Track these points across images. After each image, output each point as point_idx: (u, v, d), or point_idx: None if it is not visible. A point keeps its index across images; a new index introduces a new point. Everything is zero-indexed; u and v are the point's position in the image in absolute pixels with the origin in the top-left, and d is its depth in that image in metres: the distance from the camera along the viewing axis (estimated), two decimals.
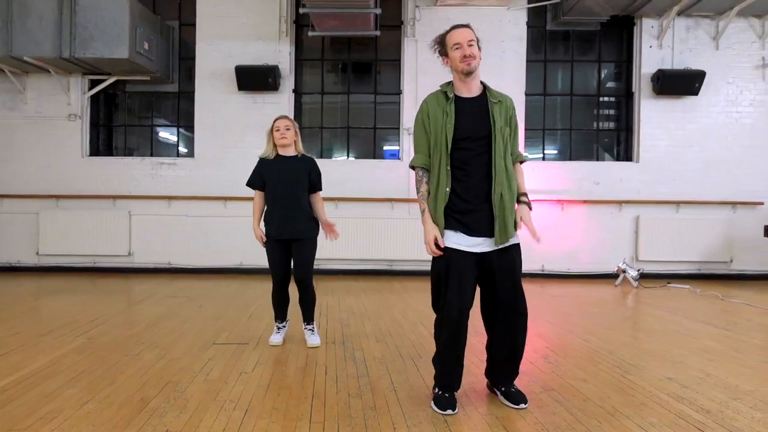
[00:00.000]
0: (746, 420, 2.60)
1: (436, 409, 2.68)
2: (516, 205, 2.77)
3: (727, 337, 4.30)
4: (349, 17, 6.90)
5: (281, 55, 7.63)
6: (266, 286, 3.91)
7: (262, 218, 3.82)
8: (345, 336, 4.20)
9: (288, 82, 7.68)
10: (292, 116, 7.22)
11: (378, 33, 7.45)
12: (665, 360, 3.61)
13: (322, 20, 7.06)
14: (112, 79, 7.60)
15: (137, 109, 8.19)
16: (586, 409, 2.72)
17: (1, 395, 2.82)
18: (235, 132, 7.63)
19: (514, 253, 2.73)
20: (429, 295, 2.85)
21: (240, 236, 7.37)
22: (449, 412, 2.64)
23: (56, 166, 7.66)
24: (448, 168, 2.67)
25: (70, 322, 4.51)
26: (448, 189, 2.67)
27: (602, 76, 8.10)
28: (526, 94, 7.70)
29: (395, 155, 7.93)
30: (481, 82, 2.79)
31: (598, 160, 8.02)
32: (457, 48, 2.67)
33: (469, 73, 2.69)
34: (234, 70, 7.42)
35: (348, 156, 7.99)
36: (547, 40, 7.96)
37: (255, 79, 7.42)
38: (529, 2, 7.66)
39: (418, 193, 2.79)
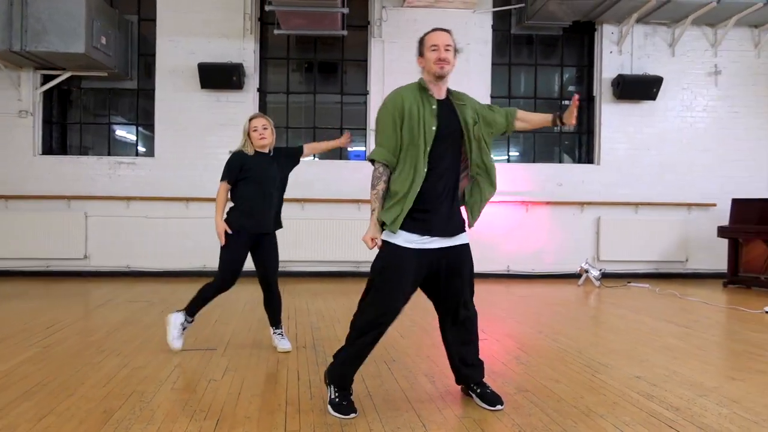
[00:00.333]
0: (714, 416, 2.67)
1: (338, 415, 2.58)
2: (551, 116, 2.87)
3: (688, 334, 4.44)
4: (315, 16, 6.82)
5: (246, 53, 7.48)
6: (231, 289, 3.80)
7: (238, 211, 3.70)
8: (315, 340, 4.13)
9: (253, 81, 7.53)
10: None
11: (345, 33, 7.39)
12: (632, 358, 3.69)
13: (288, 18, 6.95)
14: (66, 75, 7.27)
15: (93, 106, 7.88)
16: (561, 409, 2.74)
17: None
18: (197, 131, 7.43)
19: (464, 251, 2.75)
20: None
21: (203, 238, 7.15)
22: (353, 415, 2.58)
23: (5, 165, 7.28)
24: (425, 169, 2.64)
25: (23, 330, 4.27)
26: (419, 189, 2.63)
27: (564, 80, 8.28)
28: (492, 97, 7.78)
29: (361, 156, 7.88)
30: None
31: (560, 162, 8.20)
32: (434, 49, 2.65)
33: (440, 77, 2.67)
34: (197, 67, 7.21)
35: (314, 157, 7.88)
36: (512, 44, 8.07)
37: (218, 77, 7.24)
38: (494, 6, 7.75)
39: (372, 189, 2.72)
